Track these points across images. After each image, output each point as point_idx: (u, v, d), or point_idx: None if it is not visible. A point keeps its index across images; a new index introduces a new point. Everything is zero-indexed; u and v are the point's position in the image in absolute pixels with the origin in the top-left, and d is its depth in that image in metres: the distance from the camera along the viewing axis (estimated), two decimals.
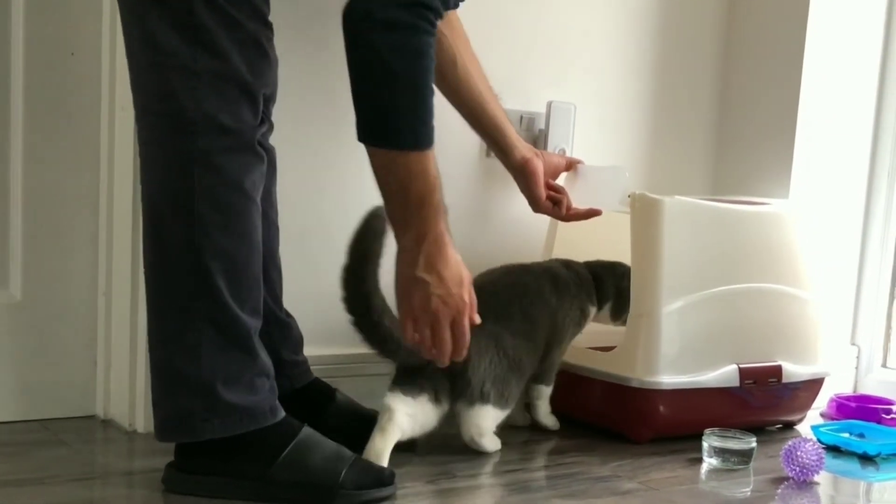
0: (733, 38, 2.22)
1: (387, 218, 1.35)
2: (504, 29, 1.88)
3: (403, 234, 1.35)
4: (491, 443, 1.63)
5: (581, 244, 1.89)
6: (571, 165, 1.88)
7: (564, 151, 1.95)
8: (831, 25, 2.10)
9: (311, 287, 1.75)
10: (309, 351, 1.62)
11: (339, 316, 1.78)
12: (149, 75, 1.29)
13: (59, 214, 1.65)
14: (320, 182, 1.76)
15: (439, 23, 1.64)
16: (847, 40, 2.13)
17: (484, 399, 1.57)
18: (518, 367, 1.63)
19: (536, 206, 1.79)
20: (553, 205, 1.79)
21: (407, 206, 1.33)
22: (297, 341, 1.58)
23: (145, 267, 1.33)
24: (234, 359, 1.31)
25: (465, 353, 1.41)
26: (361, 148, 1.76)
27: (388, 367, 1.81)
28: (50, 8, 1.60)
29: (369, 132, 1.33)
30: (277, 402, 1.37)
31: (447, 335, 1.38)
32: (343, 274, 1.41)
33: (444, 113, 1.81)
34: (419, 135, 1.31)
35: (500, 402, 1.60)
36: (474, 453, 1.61)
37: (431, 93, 1.32)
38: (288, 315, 1.57)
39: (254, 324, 1.34)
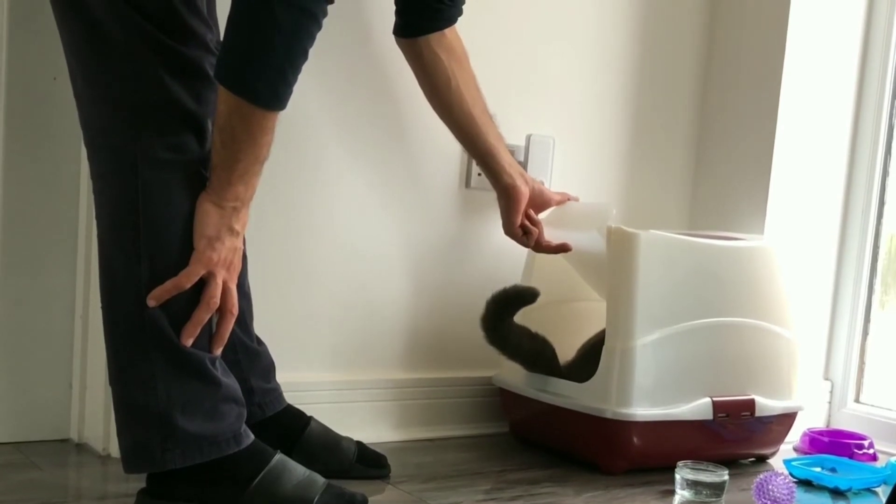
0: (711, 74, 2.26)
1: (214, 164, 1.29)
2: (485, 63, 1.90)
3: (228, 184, 1.28)
4: None
5: (557, 275, 1.91)
6: (565, 202, 1.90)
7: (543, 183, 1.96)
8: (807, 64, 2.13)
9: (286, 313, 1.76)
10: (284, 377, 1.61)
11: (315, 341, 1.80)
12: (91, 110, 1.29)
13: (38, 237, 1.65)
14: (295, 204, 1.77)
15: (436, 45, 1.65)
16: (823, 79, 2.16)
17: None
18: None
19: (508, 230, 1.81)
20: (523, 234, 1.81)
21: (248, 157, 1.28)
22: (267, 369, 1.57)
23: (101, 299, 1.33)
24: (192, 387, 1.30)
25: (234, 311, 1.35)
26: (335, 173, 1.79)
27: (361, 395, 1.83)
28: (32, 33, 1.61)
29: (239, 78, 1.25)
30: (245, 427, 1.35)
31: (235, 294, 1.34)
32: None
33: (425, 143, 1.84)
34: (284, 95, 1.27)
35: None
36: (448, 482, 1.61)
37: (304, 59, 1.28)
38: (259, 342, 1.56)
39: (206, 353, 1.32)
